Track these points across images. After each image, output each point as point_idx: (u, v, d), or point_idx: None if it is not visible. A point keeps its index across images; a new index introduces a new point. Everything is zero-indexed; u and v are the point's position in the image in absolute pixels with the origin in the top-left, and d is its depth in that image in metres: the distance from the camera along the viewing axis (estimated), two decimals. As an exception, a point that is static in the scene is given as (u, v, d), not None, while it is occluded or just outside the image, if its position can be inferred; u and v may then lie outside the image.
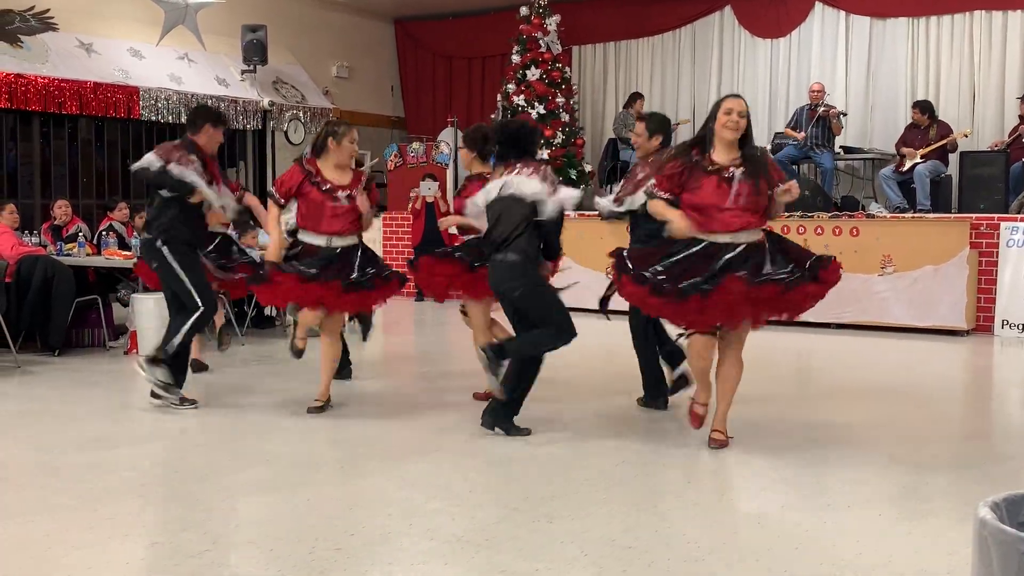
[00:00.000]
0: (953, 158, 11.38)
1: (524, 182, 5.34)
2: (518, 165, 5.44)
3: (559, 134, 13.73)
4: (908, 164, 11.17)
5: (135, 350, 8.29)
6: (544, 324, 5.37)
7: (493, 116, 14.41)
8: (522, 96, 13.86)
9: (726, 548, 3.74)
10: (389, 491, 4.50)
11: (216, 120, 6.31)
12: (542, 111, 13.72)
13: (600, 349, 8.12)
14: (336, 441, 5.41)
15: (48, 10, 11.69)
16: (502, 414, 5.42)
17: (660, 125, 6.01)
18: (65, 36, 11.89)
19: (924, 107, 11.37)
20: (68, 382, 7.11)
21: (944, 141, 11.13)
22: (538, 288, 5.41)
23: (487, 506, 4.23)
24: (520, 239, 5.30)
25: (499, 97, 14.35)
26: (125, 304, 8.73)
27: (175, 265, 6.15)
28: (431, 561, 3.59)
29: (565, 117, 13.92)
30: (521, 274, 5.32)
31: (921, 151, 11.12)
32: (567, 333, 5.37)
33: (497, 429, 5.41)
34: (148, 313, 8.00)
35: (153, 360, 6.15)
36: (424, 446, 5.25)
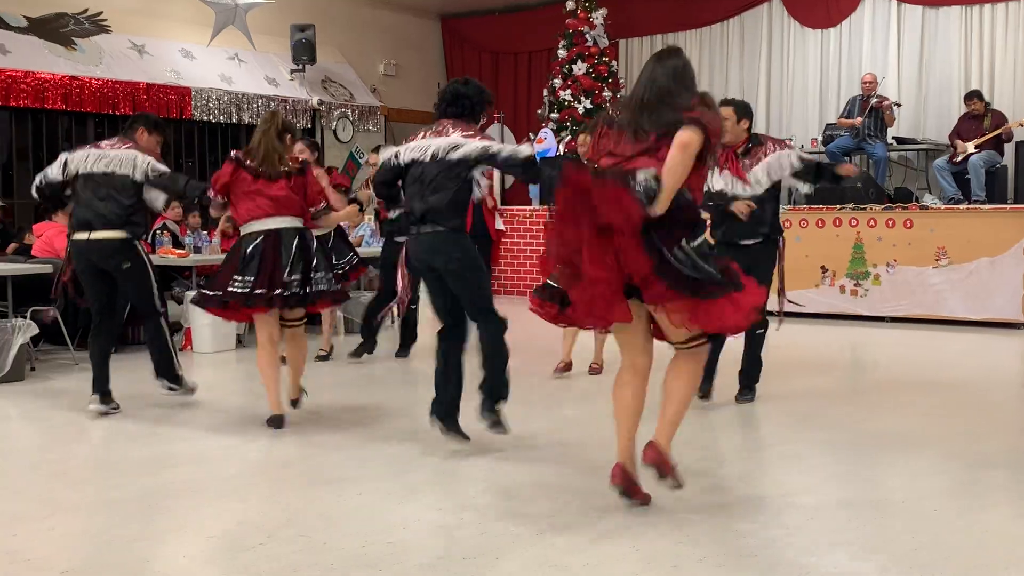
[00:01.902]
0: (1008, 148, 11.19)
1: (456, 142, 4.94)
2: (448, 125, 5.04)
3: (606, 128, 13.67)
4: (962, 154, 10.99)
5: (189, 346, 8.41)
6: (480, 310, 5.01)
7: (540, 111, 14.40)
8: (568, 91, 13.83)
9: (778, 543, 3.71)
10: (441, 485, 4.52)
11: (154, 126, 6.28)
12: (588, 105, 13.68)
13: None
14: (387, 436, 5.44)
15: (101, 12, 11.87)
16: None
17: (746, 110, 5.96)
18: (118, 38, 12.07)
19: (977, 95, 11.18)
20: (124, 379, 7.20)
21: (999, 131, 10.93)
22: (476, 264, 5.03)
23: (538, 500, 4.23)
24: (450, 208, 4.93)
25: (545, 92, 14.33)
26: (179, 301, 8.84)
27: (149, 268, 6.14)
28: (483, 555, 3.60)
29: (611, 111, 13.86)
30: (460, 247, 4.96)
31: (975, 141, 10.94)
32: (500, 317, 5.03)
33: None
34: (202, 310, 8.11)
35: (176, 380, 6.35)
36: (475, 440, 5.25)
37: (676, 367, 4.07)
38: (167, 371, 6.32)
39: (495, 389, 5.06)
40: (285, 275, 5.56)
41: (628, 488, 4.03)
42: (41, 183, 6.25)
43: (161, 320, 6.26)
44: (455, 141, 4.98)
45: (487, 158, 5.00)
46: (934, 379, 7.28)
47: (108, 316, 6.19)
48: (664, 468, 4.02)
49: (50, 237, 8.34)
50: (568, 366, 7.09)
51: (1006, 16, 12.47)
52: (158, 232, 9.41)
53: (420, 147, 5.02)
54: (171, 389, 6.34)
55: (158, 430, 5.68)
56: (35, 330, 7.09)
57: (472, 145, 4.97)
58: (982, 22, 12.60)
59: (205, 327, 8.31)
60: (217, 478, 4.71)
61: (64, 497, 4.40)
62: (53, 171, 6.16)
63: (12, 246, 9.08)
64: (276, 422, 5.61)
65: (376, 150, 7.94)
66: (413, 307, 7.78)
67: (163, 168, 6.12)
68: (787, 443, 5.28)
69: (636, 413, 4.07)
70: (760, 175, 5.87)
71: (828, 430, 5.54)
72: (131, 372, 7.49)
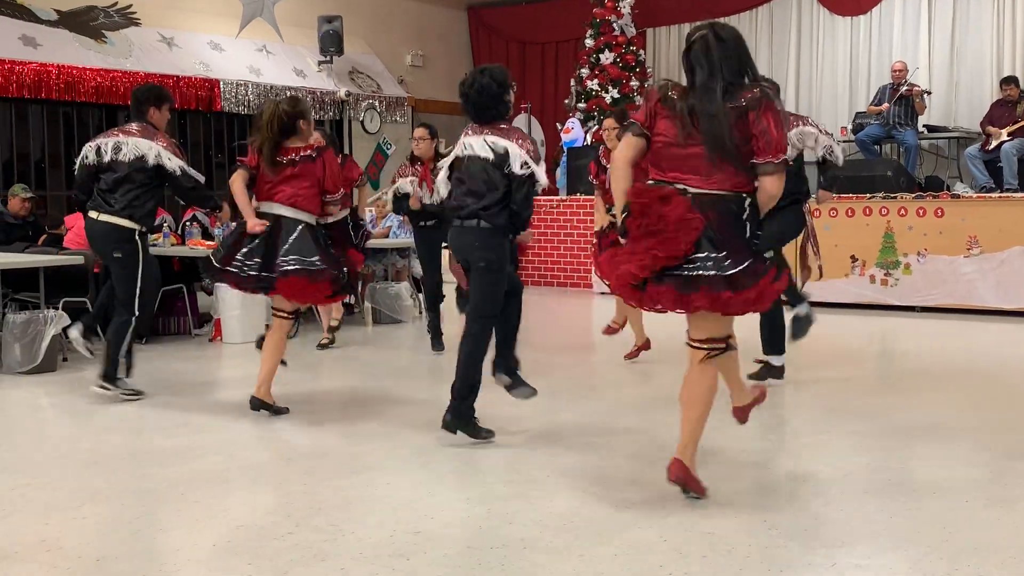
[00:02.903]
0: (1042, 135, 11.03)
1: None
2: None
3: (634, 118, 13.62)
4: (995, 142, 10.86)
5: (219, 337, 8.47)
6: (478, 313, 5.07)
7: (567, 101, 14.36)
8: (596, 80, 13.79)
9: (807, 534, 3.69)
10: (466, 476, 4.53)
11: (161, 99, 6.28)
12: (616, 95, 13.63)
13: (663, 331, 8.09)
14: (414, 426, 5.46)
15: (130, 5, 11.96)
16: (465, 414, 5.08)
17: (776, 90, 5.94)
18: (147, 31, 12.15)
19: (1014, 81, 11.04)
20: (155, 369, 7.28)
21: (1032, 118, 10.79)
22: (501, 267, 5.07)
23: (564, 491, 4.23)
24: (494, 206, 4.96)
25: (573, 82, 14.29)
26: (210, 292, 8.90)
27: (141, 263, 6.08)
28: (509, 545, 3.61)
29: (640, 101, 13.80)
30: (494, 245, 5.00)
31: (1008, 128, 10.81)
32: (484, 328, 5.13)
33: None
34: (232, 301, 8.17)
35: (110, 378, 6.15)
36: (500, 431, 5.26)
37: (692, 382, 3.99)
38: (110, 370, 6.15)
39: (507, 355, 5.28)
40: (240, 255, 5.62)
41: (681, 482, 4.01)
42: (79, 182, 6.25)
43: (132, 319, 6.10)
44: (490, 144, 4.99)
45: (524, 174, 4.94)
46: (965, 369, 7.21)
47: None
48: (689, 484, 3.99)
49: (81, 228, 8.40)
50: (646, 345, 7.14)
51: (1039, 2, 12.30)
52: (188, 224, 9.47)
53: (464, 144, 5.11)
54: (103, 387, 6.15)
55: (188, 420, 5.72)
56: (67, 321, 7.15)
57: (505, 152, 4.92)
58: (1015, 8, 12.44)
59: (234, 318, 8.36)
60: (245, 468, 4.75)
61: (96, 486, 4.44)
62: (89, 160, 6.11)
63: (43, 237, 9.18)
64: (252, 403, 5.71)
65: (424, 125, 7.86)
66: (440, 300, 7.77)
67: (180, 170, 6.08)
68: (817, 433, 5.25)
69: (705, 408, 4.02)
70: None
71: (858, 420, 5.50)
72: (160, 361, 7.56)
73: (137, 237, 6.04)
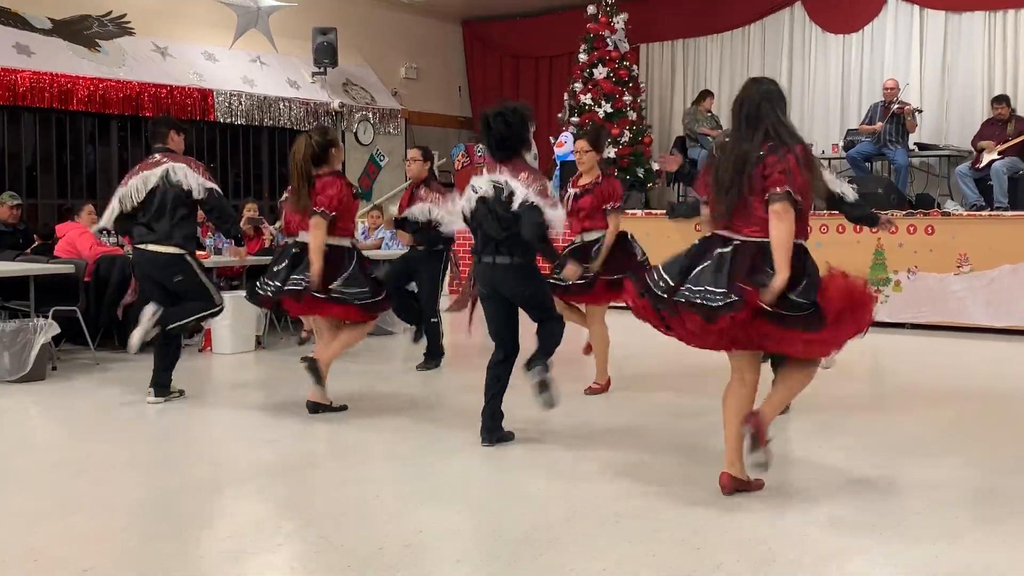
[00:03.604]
0: (1032, 154, 11.10)
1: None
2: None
3: (626, 132, 13.66)
4: (985, 160, 10.91)
5: (209, 348, 8.45)
6: (545, 315, 5.31)
7: (560, 115, 14.40)
8: (589, 95, 13.82)
9: (796, 550, 3.70)
10: (457, 489, 4.52)
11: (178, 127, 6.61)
12: (609, 109, 13.67)
13: (668, 348, 8.07)
14: (405, 438, 5.46)
15: (125, 15, 11.96)
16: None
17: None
18: (141, 40, 12.15)
19: (1005, 100, 11.10)
20: (144, 379, 7.23)
21: (1022, 137, 10.85)
22: (543, 283, 5.39)
23: (554, 505, 4.23)
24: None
25: (566, 96, 14.32)
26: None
27: (200, 271, 6.40)
28: (498, 559, 3.60)
29: (632, 115, 13.85)
30: (532, 276, 5.24)
31: (999, 147, 10.87)
32: (561, 319, 5.42)
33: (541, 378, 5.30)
34: (223, 313, 8.14)
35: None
36: (490, 448, 5.26)
37: (789, 366, 4.33)
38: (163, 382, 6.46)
39: (543, 350, 5.30)
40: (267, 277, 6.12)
41: (740, 490, 4.28)
42: (113, 227, 6.60)
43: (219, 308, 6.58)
44: (493, 182, 5.13)
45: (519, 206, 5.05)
46: (955, 386, 7.23)
47: None
48: (760, 436, 4.16)
49: (72, 238, 8.40)
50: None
51: (1030, 22, 12.38)
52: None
53: (474, 187, 5.24)
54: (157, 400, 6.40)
55: (177, 430, 5.71)
56: (56, 330, 7.14)
57: (519, 192, 5.03)
58: (1005, 28, 12.52)
59: (224, 328, 8.35)
60: (235, 478, 4.73)
61: (84, 496, 4.43)
62: (113, 212, 6.39)
63: (33, 245, 9.16)
64: (309, 407, 6.00)
65: (418, 147, 7.80)
66: (435, 320, 7.68)
67: (212, 185, 6.35)
68: (807, 449, 5.26)
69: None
70: None
71: (848, 436, 5.51)
72: (150, 371, 7.53)
73: (188, 258, 6.31)
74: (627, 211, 12.14)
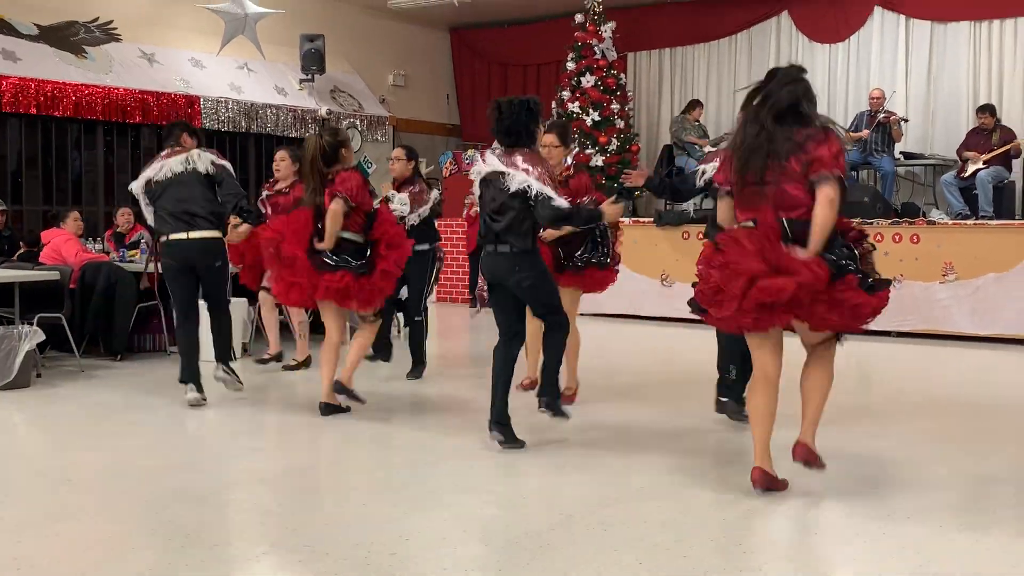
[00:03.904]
0: (1016, 164, 11.18)
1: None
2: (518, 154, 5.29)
3: (614, 141, 13.69)
4: (970, 169, 10.98)
5: (195, 355, 8.41)
6: (550, 311, 5.35)
7: (547, 123, 14.40)
8: (577, 103, 13.85)
9: (783, 558, 3.70)
10: (443, 496, 4.52)
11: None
12: (597, 118, 13.70)
13: (657, 355, 8.08)
14: (391, 446, 5.45)
15: (112, 21, 11.93)
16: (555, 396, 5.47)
17: None
18: (128, 46, 12.12)
19: (993, 111, 11.18)
20: (130, 386, 7.23)
21: (1007, 147, 10.93)
22: (544, 275, 5.39)
23: (541, 512, 4.23)
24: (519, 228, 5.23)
25: (554, 104, 14.34)
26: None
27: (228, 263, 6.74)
28: (486, 567, 3.60)
29: (620, 124, 13.87)
30: (530, 265, 5.26)
31: (984, 156, 10.93)
32: (566, 324, 5.44)
33: (550, 409, 5.43)
34: (207, 318, 8.11)
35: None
36: (478, 451, 5.26)
37: (811, 371, 4.52)
38: (226, 356, 6.84)
39: (549, 383, 5.40)
40: None
41: (771, 487, 4.42)
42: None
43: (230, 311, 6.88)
44: (509, 172, 5.19)
45: (531, 195, 5.13)
46: (941, 394, 7.26)
47: (194, 310, 6.61)
48: (812, 462, 4.46)
49: (57, 244, 8.38)
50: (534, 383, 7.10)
51: (1015, 32, 12.48)
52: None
53: (481, 171, 5.37)
54: (227, 372, 6.77)
55: (164, 438, 5.69)
56: (41, 336, 7.10)
57: (519, 179, 5.14)
58: (991, 38, 12.62)
59: (209, 334, 8.29)
60: (221, 486, 4.72)
61: (70, 504, 4.40)
62: (137, 192, 6.66)
63: (19, 252, 9.12)
64: (321, 408, 6.05)
65: (403, 147, 7.79)
66: (418, 319, 7.68)
67: (223, 162, 6.59)
68: (790, 458, 5.26)
69: (771, 419, 4.44)
70: None
71: (833, 444, 5.51)
72: (135, 379, 7.51)
73: (223, 242, 6.58)
74: (614, 219, 12.16)
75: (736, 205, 4.41)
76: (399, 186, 7.54)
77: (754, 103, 4.40)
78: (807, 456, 4.46)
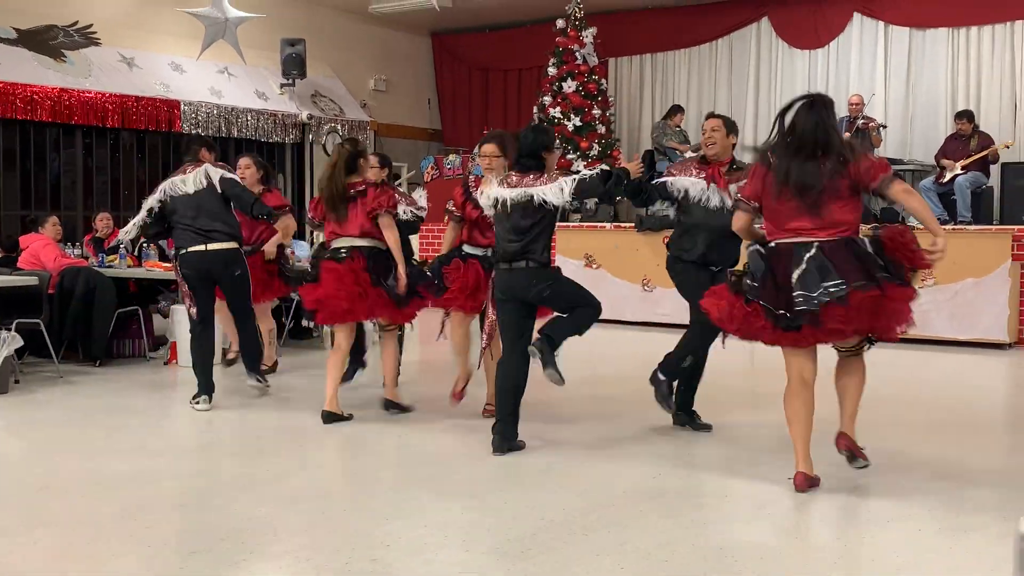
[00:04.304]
0: (994, 169, 11.26)
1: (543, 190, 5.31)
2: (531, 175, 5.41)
3: (595, 146, 13.72)
4: (948, 175, 11.06)
5: (175, 360, 8.38)
6: (579, 303, 5.41)
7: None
8: (558, 108, 13.88)
9: (763, 562, 3.71)
10: (425, 502, 4.51)
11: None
12: (578, 123, 13.73)
13: (636, 361, 8.09)
14: (372, 452, 5.43)
15: (91, 25, 11.87)
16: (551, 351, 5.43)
17: (733, 125, 5.90)
18: (108, 50, 12.07)
19: (971, 117, 11.26)
20: (109, 392, 7.19)
21: (985, 152, 11.01)
22: (560, 280, 5.46)
23: (523, 518, 4.23)
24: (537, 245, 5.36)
25: (535, 109, 14.37)
26: (165, 315, 8.80)
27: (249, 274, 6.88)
28: (467, 573, 3.59)
29: (601, 129, 13.91)
30: (544, 276, 5.37)
31: (962, 162, 11.01)
32: (597, 306, 5.45)
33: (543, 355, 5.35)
34: (187, 324, 8.06)
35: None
36: (461, 457, 5.25)
37: (846, 368, 4.85)
38: (257, 366, 7.01)
39: (556, 330, 5.37)
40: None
41: (813, 487, 4.64)
42: (143, 227, 6.80)
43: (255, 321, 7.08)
44: (532, 191, 5.29)
45: (570, 193, 5.25)
46: (920, 399, 7.30)
47: (210, 321, 6.76)
48: (855, 452, 4.79)
49: (36, 249, 8.31)
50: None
51: (992, 39, 12.59)
52: (144, 245, 9.39)
53: (498, 195, 5.39)
54: (259, 381, 6.96)
55: (142, 444, 5.65)
56: (19, 342, 7.05)
57: (546, 191, 5.25)
58: (968, 44, 12.72)
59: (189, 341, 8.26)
60: (200, 493, 4.69)
61: (49, 511, 4.37)
62: (150, 205, 6.69)
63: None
64: (323, 416, 6.04)
65: (376, 154, 7.66)
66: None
67: (231, 176, 6.75)
68: (773, 461, 5.28)
69: (809, 421, 4.69)
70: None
71: (813, 448, 5.53)
72: (115, 384, 7.46)
73: (242, 252, 6.78)
74: (597, 224, 12.19)
75: (769, 220, 4.63)
76: None
77: (786, 132, 4.60)
78: (851, 446, 4.79)
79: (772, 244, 4.58)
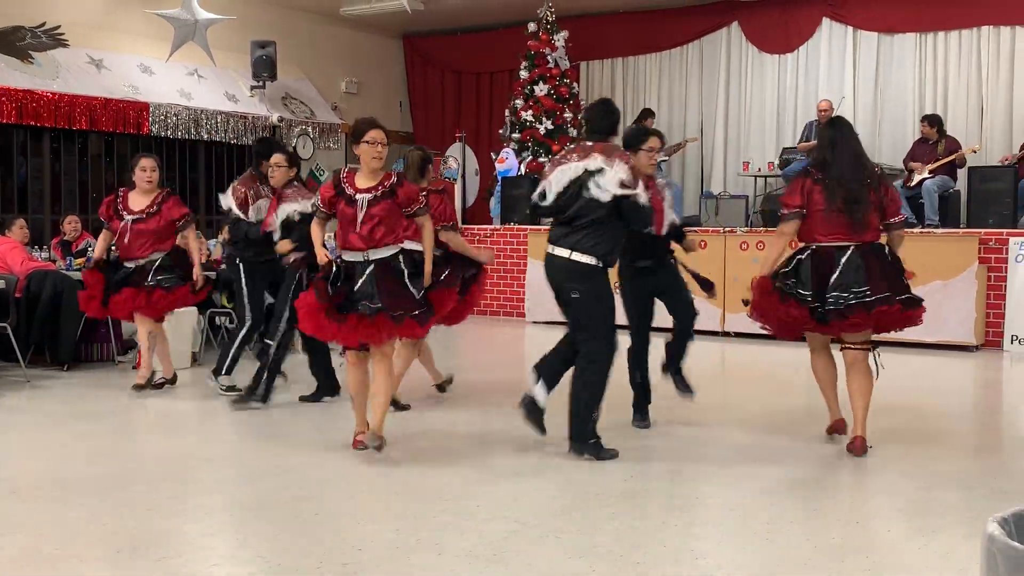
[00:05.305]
0: (961, 173, 11.38)
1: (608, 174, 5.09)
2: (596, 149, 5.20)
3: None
4: (916, 179, 11.16)
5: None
6: (586, 336, 5.21)
7: (501, 131, 14.45)
8: (530, 111, 13.90)
9: (734, 564, 3.73)
10: (397, 506, 4.50)
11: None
12: (550, 126, 13.75)
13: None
14: (344, 455, 5.41)
15: (59, 26, 11.73)
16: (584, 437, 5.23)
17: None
18: (76, 52, 11.95)
19: (933, 120, 11.37)
20: (77, 396, 7.12)
21: (952, 156, 11.12)
22: (599, 296, 5.20)
23: (495, 521, 4.22)
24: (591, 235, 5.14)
25: (507, 112, 14.39)
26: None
27: (242, 283, 7.01)
28: (439, 576, 3.59)
29: (573, 132, 13.94)
30: (582, 277, 5.14)
31: (929, 166, 11.11)
32: (611, 349, 5.24)
33: (586, 455, 5.20)
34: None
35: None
36: (432, 460, 5.24)
37: (854, 376, 5.46)
38: (219, 370, 7.05)
39: (576, 426, 5.25)
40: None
41: (842, 432, 5.67)
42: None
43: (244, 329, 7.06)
44: (598, 166, 5.11)
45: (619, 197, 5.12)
46: (888, 400, 7.34)
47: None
48: (863, 449, 5.38)
49: (2, 253, 8.23)
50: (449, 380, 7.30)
51: (959, 44, 12.73)
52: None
53: (569, 170, 5.21)
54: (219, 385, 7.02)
55: (111, 448, 5.61)
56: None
57: (610, 173, 5.08)
58: (936, 50, 12.85)
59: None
60: (170, 498, 4.65)
61: (15, 516, 4.32)
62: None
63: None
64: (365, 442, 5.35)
65: (284, 154, 7.31)
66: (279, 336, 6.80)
67: (228, 204, 7.14)
68: (745, 463, 5.31)
69: (835, 378, 5.69)
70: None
71: (782, 450, 5.57)
72: (83, 388, 7.40)
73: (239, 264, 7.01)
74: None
75: (816, 226, 5.33)
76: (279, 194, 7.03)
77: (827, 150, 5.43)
78: (863, 448, 5.36)
79: (814, 247, 5.35)
